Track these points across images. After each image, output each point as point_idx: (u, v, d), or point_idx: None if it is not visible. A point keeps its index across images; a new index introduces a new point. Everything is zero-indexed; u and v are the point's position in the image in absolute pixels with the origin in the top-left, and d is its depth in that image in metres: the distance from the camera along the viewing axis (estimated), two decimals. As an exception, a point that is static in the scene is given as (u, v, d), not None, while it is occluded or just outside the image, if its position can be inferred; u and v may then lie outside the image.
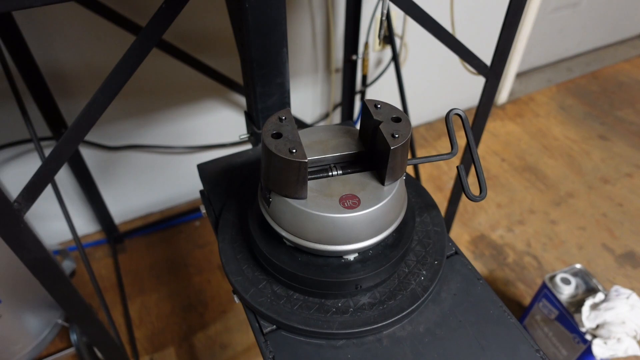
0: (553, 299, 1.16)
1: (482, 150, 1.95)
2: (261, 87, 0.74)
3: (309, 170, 0.55)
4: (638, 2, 2.46)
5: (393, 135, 0.51)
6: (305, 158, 0.49)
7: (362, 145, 0.57)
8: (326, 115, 1.74)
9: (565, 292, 1.14)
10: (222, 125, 1.54)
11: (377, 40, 1.61)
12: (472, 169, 1.34)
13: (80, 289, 0.76)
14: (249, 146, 0.87)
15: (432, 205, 0.68)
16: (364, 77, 1.60)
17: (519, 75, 2.36)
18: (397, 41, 1.62)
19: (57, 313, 1.28)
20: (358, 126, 0.60)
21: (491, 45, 0.96)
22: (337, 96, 1.69)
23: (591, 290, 1.14)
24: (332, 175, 0.55)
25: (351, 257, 0.56)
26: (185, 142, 1.52)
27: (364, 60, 1.54)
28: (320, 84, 1.63)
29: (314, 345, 0.55)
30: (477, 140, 1.12)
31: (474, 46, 0.95)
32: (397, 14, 1.57)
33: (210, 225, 0.96)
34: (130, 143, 1.43)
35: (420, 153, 1.91)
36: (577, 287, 1.15)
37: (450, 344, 0.55)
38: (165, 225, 1.63)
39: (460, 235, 1.62)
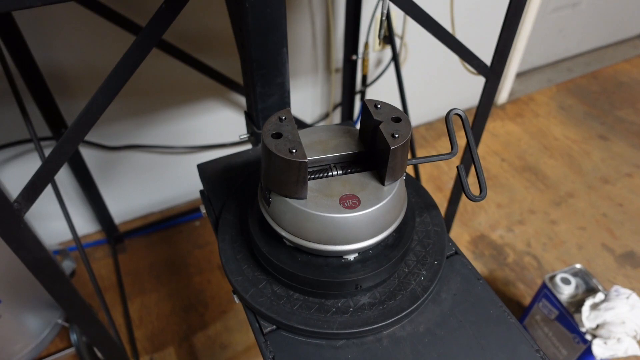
0: (553, 299, 1.16)
1: (482, 150, 1.95)
2: (261, 87, 0.74)
3: (309, 170, 0.55)
4: (638, 2, 2.46)
5: (393, 135, 0.51)
6: (305, 158, 0.49)
7: (362, 145, 0.57)
8: (326, 115, 1.74)
9: (565, 292, 1.14)
10: (222, 125, 1.54)
11: (377, 40, 1.61)
12: (472, 169, 1.34)
13: (80, 289, 0.76)
14: (249, 146, 0.87)
15: (432, 205, 0.68)
16: (364, 77, 1.60)
17: (519, 75, 2.36)
18: (397, 41, 1.62)
19: (57, 313, 1.28)
20: (358, 126, 0.60)
21: (491, 45, 0.96)
22: (337, 96, 1.69)
23: (591, 290, 1.14)
24: (332, 175, 0.55)
25: (351, 257, 0.56)
26: (185, 142, 1.52)
27: (364, 60, 1.54)
28: (320, 84, 1.63)
29: (314, 345, 0.55)
30: (477, 140, 1.11)
31: (474, 46, 0.95)
32: (397, 14, 1.57)
33: (210, 225, 0.96)
34: (130, 143, 1.43)
35: (420, 153, 1.91)
36: (577, 287, 1.15)
37: (450, 344, 0.55)
38: (165, 225, 1.63)
39: (460, 235, 1.62)
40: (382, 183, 0.54)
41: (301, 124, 1.55)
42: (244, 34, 0.66)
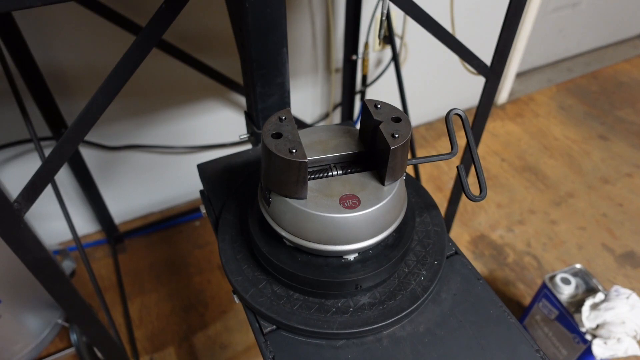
0: (553, 299, 1.16)
1: (482, 150, 1.95)
2: (261, 87, 0.74)
3: (309, 170, 0.55)
4: (638, 2, 2.46)
5: (393, 135, 0.51)
6: (305, 158, 0.49)
7: (362, 145, 0.57)
8: (326, 115, 1.74)
9: (565, 292, 1.14)
10: (222, 125, 1.54)
11: (377, 40, 1.61)
12: (472, 169, 1.34)
13: (80, 289, 0.76)
14: (249, 146, 0.87)
15: (432, 205, 0.68)
16: (364, 77, 1.60)
17: (519, 75, 2.36)
18: (397, 41, 1.62)
19: (57, 313, 1.28)
20: (358, 126, 0.60)
21: (491, 45, 0.96)
22: (337, 96, 1.69)
23: (591, 290, 1.14)
24: (332, 175, 0.55)
25: (351, 257, 0.56)
26: (185, 142, 1.52)
27: (364, 60, 1.54)
28: (320, 84, 1.63)
29: (314, 345, 0.55)
30: (477, 140, 1.11)
31: (474, 46, 0.95)
32: (397, 14, 1.57)
33: (210, 225, 0.96)
34: (130, 143, 1.43)
35: (420, 153, 1.91)
36: (577, 287, 1.15)
37: (450, 344, 0.55)
38: (165, 225, 1.63)
39: (460, 235, 1.62)
40: (382, 183, 0.54)
41: (301, 124, 1.55)
42: (244, 34, 0.66)
